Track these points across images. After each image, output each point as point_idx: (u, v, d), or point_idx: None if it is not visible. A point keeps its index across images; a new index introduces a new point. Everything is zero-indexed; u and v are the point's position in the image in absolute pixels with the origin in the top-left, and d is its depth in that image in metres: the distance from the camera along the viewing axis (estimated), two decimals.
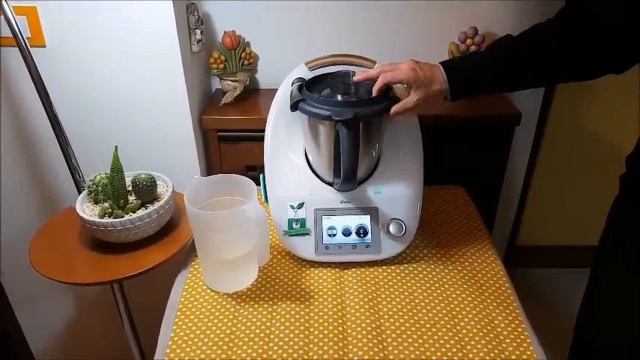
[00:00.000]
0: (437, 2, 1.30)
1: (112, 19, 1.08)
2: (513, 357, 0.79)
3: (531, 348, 0.80)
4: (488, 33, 1.31)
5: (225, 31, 1.28)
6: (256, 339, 0.82)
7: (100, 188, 0.98)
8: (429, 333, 0.83)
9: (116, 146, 0.97)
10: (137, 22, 1.08)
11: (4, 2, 0.96)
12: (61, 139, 1.06)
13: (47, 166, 1.26)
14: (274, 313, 0.87)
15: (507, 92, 1.31)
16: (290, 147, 1.00)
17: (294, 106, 0.89)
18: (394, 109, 0.87)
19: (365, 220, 0.96)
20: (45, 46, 1.11)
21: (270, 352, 0.80)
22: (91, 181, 1.00)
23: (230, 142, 1.29)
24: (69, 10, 1.07)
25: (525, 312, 0.88)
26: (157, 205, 0.98)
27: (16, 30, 0.97)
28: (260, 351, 0.80)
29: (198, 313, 0.88)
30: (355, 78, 0.90)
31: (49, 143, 1.17)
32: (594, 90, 1.54)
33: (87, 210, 0.99)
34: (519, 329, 0.84)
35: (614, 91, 1.51)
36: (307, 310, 0.88)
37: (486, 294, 0.91)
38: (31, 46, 1.02)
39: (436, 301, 0.89)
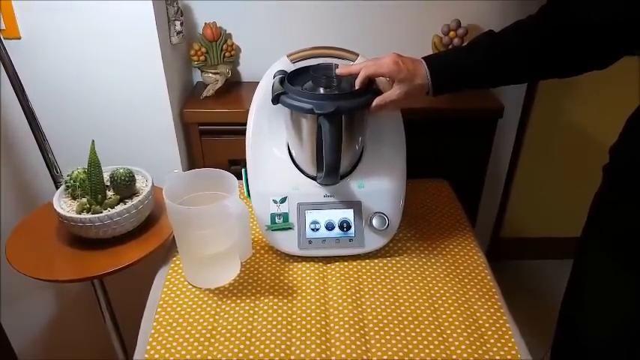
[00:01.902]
0: None
1: (89, 11, 1.06)
2: (495, 349, 0.79)
3: (513, 340, 0.81)
4: (471, 25, 1.31)
5: (205, 23, 1.26)
6: (238, 334, 0.81)
7: (78, 183, 0.97)
8: (412, 326, 0.83)
9: (93, 140, 0.95)
10: (115, 13, 1.06)
11: None
12: (37, 133, 1.04)
13: (24, 162, 1.23)
14: (257, 309, 0.86)
15: (491, 88, 1.31)
16: (272, 141, 0.99)
17: (276, 99, 0.88)
18: (376, 102, 0.86)
19: (348, 214, 0.96)
20: (20, 38, 1.08)
21: (252, 348, 0.79)
22: (68, 176, 0.98)
23: (212, 135, 1.27)
24: (44, 2, 1.05)
25: (510, 304, 0.88)
26: (135, 200, 0.97)
27: None
28: (242, 347, 0.79)
29: (179, 309, 0.86)
30: (338, 71, 0.90)
31: (26, 138, 1.14)
32: (577, 83, 1.54)
33: (64, 206, 0.97)
34: (501, 321, 0.84)
35: (597, 83, 1.53)
36: (290, 305, 0.87)
37: (468, 287, 0.91)
38: (5, 38, 0.99)
39: (418, 294, 0.89)
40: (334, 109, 0.82)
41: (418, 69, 0.84)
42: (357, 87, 0.87)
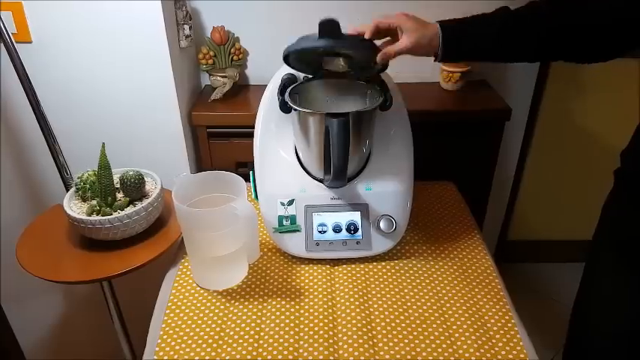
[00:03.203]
0: None
1: (100, 15, 1.07)
2: (503, 352, 0.79)
3: (521, 343, 0.81)
4: None
5: (214, 27, 1.27)
6: (246, 336, 0.82)
7: (88, 185, 0.98)
8: (419, 329, 0.83)
9: (103, 143, 0.96)
10: (125, 17, 1.07)
11: None
12: (48, 136, 1.05)
13: (34, 164, 1.24)
14: (264, 311, 0.87)
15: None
16: (280, 143, 1.00)
17: (284, 106, 0.89)
18: (384, 51, 0.84)
19: (355, 216, 0.96)
20: (31, 42, 1.10)
21: (260, 350, 0.79)
22: (78, 178, 0.99)
23: (220, 138, 1.28)
24: (55, 6, 1.06)
25: (516, 306, 0.88)
26: (145, 202, 0.98)
27: (1, 26, 0.95)
28: (250, 349, 0.80)
29: (187, 311, 0.87)
30: (346, 32, 0.87)
31: (37, 140, 1.16)
32: (585, 85, 1.54)
33: (75, 207, 0.98)
34: (509, 324, 0.84)
35: (604, 86, 1.52)
36: (298, 307, 0.87)
37: (476, 289, 0.91)
38: (17, 42, 1.00)
39: (426, 297, 0.89)
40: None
41: (430, 25, 0.84)
42: (366, 37, 0.84)
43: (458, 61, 0.86)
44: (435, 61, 0.86)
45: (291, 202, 0.96)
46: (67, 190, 1.05)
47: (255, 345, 0.80)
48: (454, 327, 0.83)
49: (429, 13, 1.31)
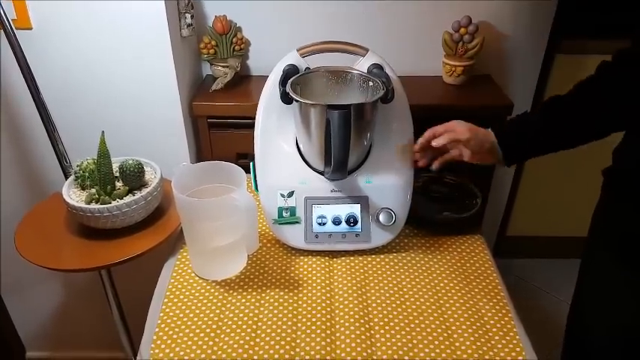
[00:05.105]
0: None
1: (101, 2, 1.06)
2: (499, 346, 0.79)
3: (517, 337, 0.81)
4: (482, 22, 1.30)
5: (216, 16, 1.27)
6: (244, 326, 0.82)
7: (87, 174, 0.97)
8: (417, 322, 0.83)
9: (103, 131, 0.96)
10: (126, 4, 1.06)
11: None
12: (47, 124, 1.05)
13: (33, 151, 1.24)
14: (262, 301, 0.87)
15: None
16: (281, 135, 0.99)
17: (285, 97, 0.88)
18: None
19: (355, 209, 0.96)
20: (31, 29, 1.09)
21: (257, 340, 0.80)
22: (77, 166, 0.99)
23: (221, 128, 1.27)
24: None
25: (514, 302, 0.88)
26: (144, 191, 0.97)
27: (1, 12, 0.95)
28: (248, 338, 0.80)
29: (185, 300, 0.87)
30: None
31: (36, 128, 1.15)
32: None
33: (73, 196, 0.98)
34: (506, 319, 0.84)
35: None
36: (296, 298, 0.87)
37: (474, 284, 0.91)
38: (16, 29, 1.00)
39: (424, 290, 0.89)
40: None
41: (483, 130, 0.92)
42: (420, 141, 0.95)
43: (524, 160, 1.00)
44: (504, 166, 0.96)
45: (291, 194, 0.96)
46: (66, 179, 1.04)
47: (253, 335, 0.80)
48: (451, 320, 0.83)
49: (441, 9, 1.32)
